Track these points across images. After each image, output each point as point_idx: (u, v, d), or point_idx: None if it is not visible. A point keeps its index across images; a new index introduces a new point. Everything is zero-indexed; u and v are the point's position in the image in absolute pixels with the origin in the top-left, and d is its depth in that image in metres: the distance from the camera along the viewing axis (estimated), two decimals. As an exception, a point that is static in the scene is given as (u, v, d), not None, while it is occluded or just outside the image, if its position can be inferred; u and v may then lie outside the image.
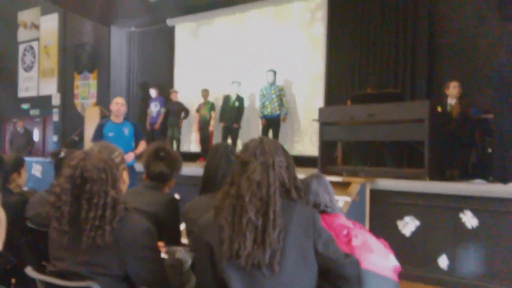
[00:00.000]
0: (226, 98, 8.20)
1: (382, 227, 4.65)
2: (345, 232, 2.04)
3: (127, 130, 5.11)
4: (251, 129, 8.51)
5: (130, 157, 4.82)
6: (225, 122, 8.08)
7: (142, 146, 5.11)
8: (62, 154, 2.64)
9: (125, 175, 1.75)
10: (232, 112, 8.04)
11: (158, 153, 2.40)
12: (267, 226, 1.38)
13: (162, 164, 2.39)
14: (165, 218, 2.20)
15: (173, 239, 2.28)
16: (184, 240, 2.57)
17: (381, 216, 4.73)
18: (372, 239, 2.06)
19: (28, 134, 10.92)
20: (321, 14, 7.99)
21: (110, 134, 4.95)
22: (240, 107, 8.12)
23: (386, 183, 4.80)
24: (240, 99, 8.13)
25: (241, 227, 1.39)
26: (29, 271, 1.66)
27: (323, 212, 2.11)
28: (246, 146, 1.57)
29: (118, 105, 5.09)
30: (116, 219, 1.52)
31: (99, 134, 5.01)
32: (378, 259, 1.97)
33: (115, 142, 4.19)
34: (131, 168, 4.59)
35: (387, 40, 7.19)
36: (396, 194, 4.71)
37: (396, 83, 7.00)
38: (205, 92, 8.58)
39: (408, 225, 4.60)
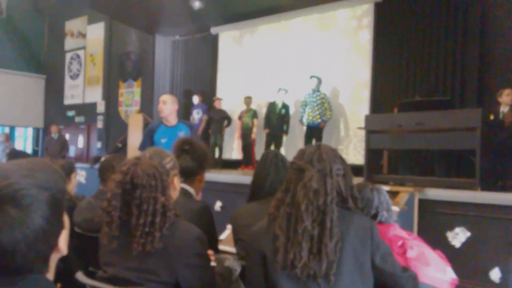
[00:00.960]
0: (272, 105, 8.20)
1: (431, 237, 4.52)
2: (400, 243, 2.02)
3: (183, 135, 4.15)
4: (294, 137, 8.51)
5: None
6: (270, 129, 8.08)
7: None
8: (103, 159, 2.69)
9: (176, 181, 1.73)
10: (278, 120, 8.04)
11: (182, 146, 2.28)
12: (323, 236, 1.35)
13: (188, 157, 2.24)
14: (200, 226, 2.12)
15: (210, 247, 2.25)
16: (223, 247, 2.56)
17: (430, 226, 4.63)
18: (429, 251, 2.03)
19: (62, 139, 10.90)
20: (367, 21, 7.92)
21: (163, 140, 4.13)
22: (286, 115, 8.12)
23: (435, 193, 4.69)
24: (286, 106, 8.14)
25: (296, 236, 1.36)
26: (80, 276, 1.67)
27: (378, 222, 2.11)
28: (302, 153, 1.53)
29: (161, 103, 4.30)
30: (166, 226, 1.51)
31: (148, 141, 4.23)
32: (435, 272, 1.94)
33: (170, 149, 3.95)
34: None
35: (435, 47, 7.04)
36: (446, 204, 4.60)
37: (445, 91, 6.84)
38: (248, 100, 8.62)
39: (458, 236, 4.49)
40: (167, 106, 4.27)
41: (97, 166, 2.82)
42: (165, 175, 1.59)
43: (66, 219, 0.91)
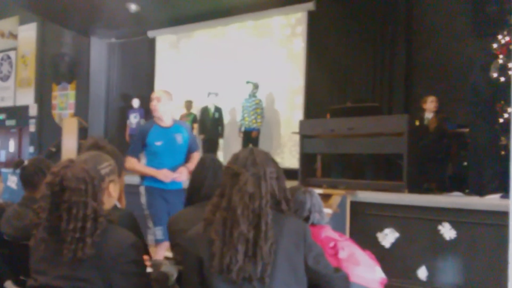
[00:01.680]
0: (205, 110, 8.14)
1: (363, 238, 4.64)
2: (332, 244, 2.05)
3: (180, 137, 3.70)
4: (231, 142, 8.50)
5: (182, 175, 3.61)
6: (206, 134, 8.02)
7: (195, 160, 3.52)
8: (26, 163, 2.54)
9: (112, 188, 1.66)
10: (212, 124, 7.99)
11: (95, 147, 2.14)
12: (258, 239, 1.36)
13: None
14: None
15: None
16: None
17: (362, 228, 4.75)
18: (359, 251, 2.08)
19: None
20: (301, 29, 8.10)
21: (158, 143, 3.60)
22: (220, 118, 8.10)
23: (366, 195, 4.82)
24: (218, 109, 8.11)
25: (232, 240, 1.36)
26: (9, 285, 1.61)
27: (311, 224, 2.13)
28: (235, 157, 1.53)
29: (154, 100, 3.65)
30: (97, 232, 1.46)
31: (139, 145, 3.65)
32: (365, 271, 2.00)
33: (166, 154, 3.69)
34: (179, 192, 3.65)
35: (365, 55, 7.35)
36: (375, 206, 4.73)
37: (374, 97, 7.13)
38: (189, 103, 8.52)
39: (387, 237, 4.63)
40: (162, 104, 3.63)
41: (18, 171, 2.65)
42: (97, 180, 1.52)
43: None
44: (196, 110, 8.63)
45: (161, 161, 3.62)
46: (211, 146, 7.99)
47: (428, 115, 5.68)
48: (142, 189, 3.70)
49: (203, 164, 2.26)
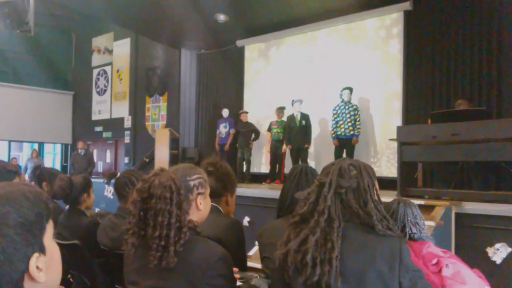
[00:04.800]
0: (291, 119, 7.96)
1: (470, 253, 4.33)
2: (435, 261, 1.91)
3: None
4: (323, 150, 8.36)
5: None
6: (293, 144, 7.81)
7: None
8: (119, 175, 2.66)
9: (200, 201, 1.66)
10: (300, 132, 7.79)
11: (206, 168, 2.24)
12: (333, 252, 1.30)
13: (211, 178, 2.19)
14: (228, 242, 2.04)
15: (238, 265, 2.14)
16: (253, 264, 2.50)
17: (469, 242, 4.43)
18: (465, 269, 1.91)
19: (89, 155, 10.98)
20: (397, 30, 7.78)
21: None
22: (308, 125, 7.89)
23: (473, 207, 4.50)
24: (305, 116, 7.91)
25: (306, 252, 1.32)
26: None
27: (409, 239, 1.99)
28: (327, 168, 1.47)
29: None
30: (180, 242, 1.47)
31: None
32: (473, 291, 1.82)
33: None
34: None
35: (469, 55, 6.84)
36: (485, 219, 4.39)
37: (480, 100, 6.60)
38: (280, 110, 8.41)
39: (499, 252, 4.25)
40: None
41: (112, 182, 2.79)
42: (184, 190, 1.55)
43: (49, 246, 0.87)
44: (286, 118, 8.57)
45: None
46: (298, 155, 7.80)
47: (545, 118, 5.13)
48: None
49: (291, 174, 2.20)
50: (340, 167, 1.44)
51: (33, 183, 3.32)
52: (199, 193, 1.65)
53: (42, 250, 0.84)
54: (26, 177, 6.96)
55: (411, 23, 7.60)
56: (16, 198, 0.82)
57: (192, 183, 1.63)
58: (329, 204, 1.35)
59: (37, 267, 0.81)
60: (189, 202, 1.60)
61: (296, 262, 1.34)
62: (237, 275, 1.89)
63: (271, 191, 6.28)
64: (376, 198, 1.46)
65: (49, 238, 0.87)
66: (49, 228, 0.88)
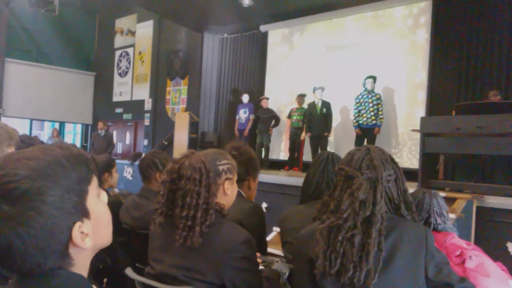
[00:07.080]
0: (312, 106, 7.89)
1: (490, 247, 4.28)
2: (458, 252, 1.91)
3: None
4: (343, 139, 8.31)
5: None
6: (313, 132, 7.79)
7: None
8: (143, 156, 2.68)
9: (228, 186, 1.69)
10: (320, 120, 7.74)
11: (230, 152, 2.26)
12: (367, 245, 1.29)
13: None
14: (249, 226, 2.05)
15: (259, 249, 2.17)
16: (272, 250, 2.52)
17: (489, 235, 4.38)
18: (489, 261, 1.91)
19: (109, 136, 10.90)
20: (425, 19, 7.63)
21: None
22: (328, 113, 7.82)
23: (495, 201, 4.45)
24: (326, 104, 7.83)
25: (335, 244, 1.31)
26: (130, 272, 1.69)
27: (433, 229, 1.99)
28: (350, 157, 1.44)
29: None
30: (206, 223, 1.51)
31: None
32: (496, 284, 1.82)
33: None
34: None
35: (497, 46, 6.69)
36: (506, 213, 4.34)
37: (508, 93, 6.46)
38: (301, 98, 8.33)
39: (520, 247, 4.21)
40: None
41: (136, 163, 2.82)
42: (213, 174, 1.58)
43: (93, 208, 0.83)
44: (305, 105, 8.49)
45: None
46: (318, 143, 7.77)
47: None
48: None
49: (316, 161, 2.19)
50: (370, 158, 1.41)
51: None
52: (227, 178, 1.69)
53: (85, 215, 0.80)
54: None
55: (439, 12, 7.44)
56: (51, 168, 0.75)
57: (221, 167, 1.66)
58: (374, 199, 1.34)
59: (82, 232, 0.79)
60: (217, 186, 1.64)
61: (325, 266, 1.33)
62: (259, 259, 1.95)
63: (289, 178, 6.29)
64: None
65: (93, 200, 0.83)
66: (93, 189, 0.84)
